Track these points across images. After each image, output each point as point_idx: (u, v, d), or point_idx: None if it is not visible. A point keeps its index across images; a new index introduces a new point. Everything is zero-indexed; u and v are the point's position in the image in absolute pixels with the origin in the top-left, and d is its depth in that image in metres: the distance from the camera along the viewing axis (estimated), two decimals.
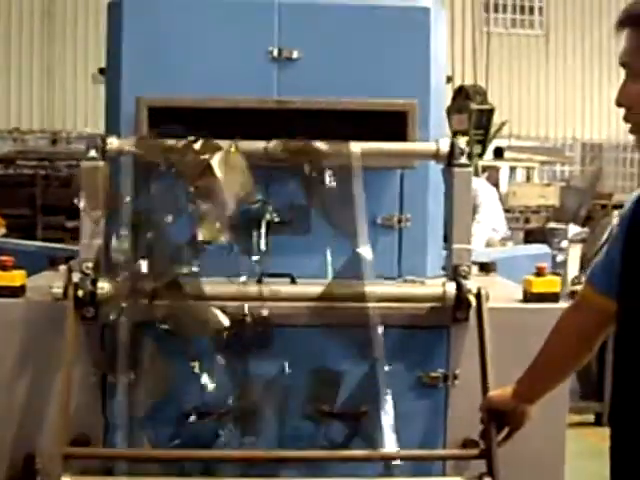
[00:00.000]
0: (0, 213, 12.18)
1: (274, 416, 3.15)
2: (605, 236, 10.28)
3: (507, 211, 9.14)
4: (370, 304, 3.06)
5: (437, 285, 3.19)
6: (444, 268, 3.57)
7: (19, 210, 13.56)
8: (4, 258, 3.15)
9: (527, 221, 14.88)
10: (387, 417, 3.04)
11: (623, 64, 2.28)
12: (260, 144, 3.16)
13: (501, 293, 3.38)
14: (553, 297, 3.26)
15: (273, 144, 3.15)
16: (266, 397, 3.13)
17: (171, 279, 3.06)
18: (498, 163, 14.22)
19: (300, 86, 3.33)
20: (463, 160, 3.17)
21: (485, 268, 3.83)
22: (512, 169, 16.39)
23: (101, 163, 3.10)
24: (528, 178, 17.21)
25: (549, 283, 3.29)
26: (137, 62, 3.38)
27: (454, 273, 3.16)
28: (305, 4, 3.43)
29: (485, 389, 2.99)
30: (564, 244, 10.29)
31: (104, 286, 3.03)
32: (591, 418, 7.60)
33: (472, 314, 3.13)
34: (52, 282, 3.12)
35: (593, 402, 7.52)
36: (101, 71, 3.80)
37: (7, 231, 11.54)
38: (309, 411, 3.17)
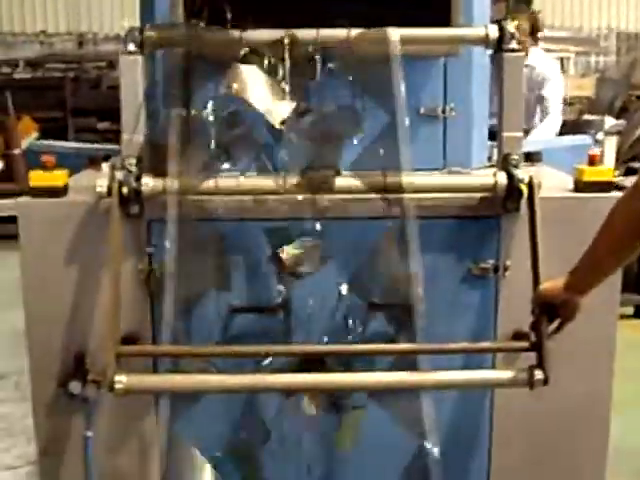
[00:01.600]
0: (32, 117, 12.15)
1: (322, 311, 3.13)
2: None
3: None
4: (419, 195, 3.00)
5: (487, 175, 3.11)
6: (489, 159, 3.50)
7: (50, 113, 13.52)
8: (45, 158, 3.10)
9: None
10: (436, 309, 3.02)
11: None
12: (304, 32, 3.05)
13: (551, 183, 3.29)
14: (606, 186, 3.17)
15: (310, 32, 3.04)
16: (315, 292, 3.11)
17: (216, 174, 3.02)
18: None
19: None
20: (513, 45, 3.06)
21: (531, 158, 3.74)
22: None
23: (139, 56, 3.02)
24: (563, 69, 16.83)
25: (601, 172, 3.19)
26: None
27: (504, 162, 3.08)
28: None
29: (536, 281, 2.93)
30: (600, 136, 10.09)
31: (148, 182, 2.98)
32: (630, 311, 7.60)
33: (523, 204, 3.06)
34: (94, 181, 3.06)
35: (633, 295, 7.51)
36: None
37: (40, 135, 11.53)
38: (358, 305, 3.14)
